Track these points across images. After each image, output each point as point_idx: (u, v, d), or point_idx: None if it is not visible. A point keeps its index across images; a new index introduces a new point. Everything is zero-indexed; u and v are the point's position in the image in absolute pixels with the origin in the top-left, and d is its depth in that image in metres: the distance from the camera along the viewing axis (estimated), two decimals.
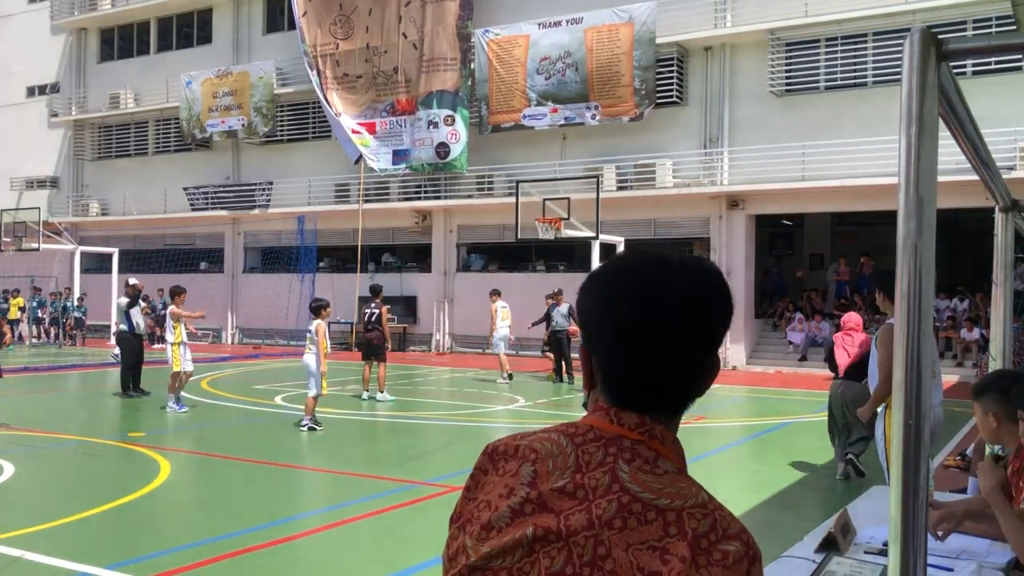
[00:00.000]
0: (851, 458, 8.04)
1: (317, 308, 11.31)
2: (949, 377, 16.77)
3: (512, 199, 19.87)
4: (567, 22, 22.84)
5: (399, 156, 25.49)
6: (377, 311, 13.82)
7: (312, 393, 10.81)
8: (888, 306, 5.67)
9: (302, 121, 28.41)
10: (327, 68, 26.38)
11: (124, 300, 14.34)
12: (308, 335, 11.16)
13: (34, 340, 28.20)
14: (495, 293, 17.46)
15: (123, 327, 14.23)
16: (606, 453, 1.11)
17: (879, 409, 5.59)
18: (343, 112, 26.18)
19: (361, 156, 25.85)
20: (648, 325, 1.11)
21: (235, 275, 29.47)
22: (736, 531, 1.06)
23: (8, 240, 27.41)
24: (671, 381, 1.14)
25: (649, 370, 1.12)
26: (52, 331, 28.69)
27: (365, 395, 13.93)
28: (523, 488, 1.10)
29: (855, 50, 20.17)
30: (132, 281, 14.90)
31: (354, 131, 26.00)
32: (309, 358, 10.96)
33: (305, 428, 10.69)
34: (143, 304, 15.20)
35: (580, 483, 1.09)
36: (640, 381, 1.13)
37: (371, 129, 25.77)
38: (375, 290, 14.32)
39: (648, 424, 1.14)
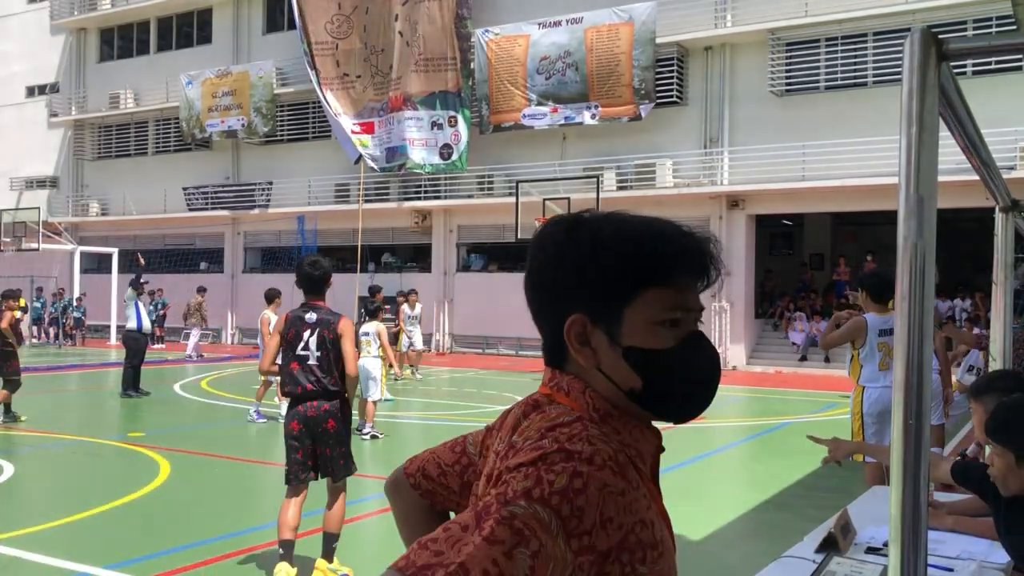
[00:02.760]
0: None
1: (375, 311, 10.82)
2: None
3: (512, 199, 19.89)
4: (567, 22, 22.84)
5: (392, 153, 25.39)
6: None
7: (373, 397, 10.35)
8: (869, 304, 5.73)
9: (302, 121, 28.41)
10: (326, 68, 26.37)
11: (129, 291, 14.27)
12: (365, 337, 10.57)
13: (34, 340, 28.19)
14: None
15: (130, 326, 14.13)
16: (518, 415, 1.17)
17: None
18: (342, 112, 26.17)
19: (361, 156, 25.85)
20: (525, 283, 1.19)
21: (235, 275, 29.47)
22: (530, 460, 1.01)
23: (8, 240, 27.43)
24: (542, 334, 1.19)
25: (536, 324, 1.19)
26: (52, 331, 28.68)
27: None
28: (473, 451, 1.31)
29: (855, 50, 20.17)
30: (140, 261, 14.91)
31: (353, 131, 25.99)
32: (368, 362, 10.31)
33: (367, 438, 10.01)
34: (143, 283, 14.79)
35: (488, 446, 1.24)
36: (541, 336, 1.20)
37: (369, 129, 25.75)
38: (374, 291, 14.30)
39: (557, 378, 1.16)
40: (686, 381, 1.13)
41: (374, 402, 10.47)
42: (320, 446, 5.25)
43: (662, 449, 1.18)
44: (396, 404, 13.55)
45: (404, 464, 1.43)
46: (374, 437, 10.17)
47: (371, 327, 10.67)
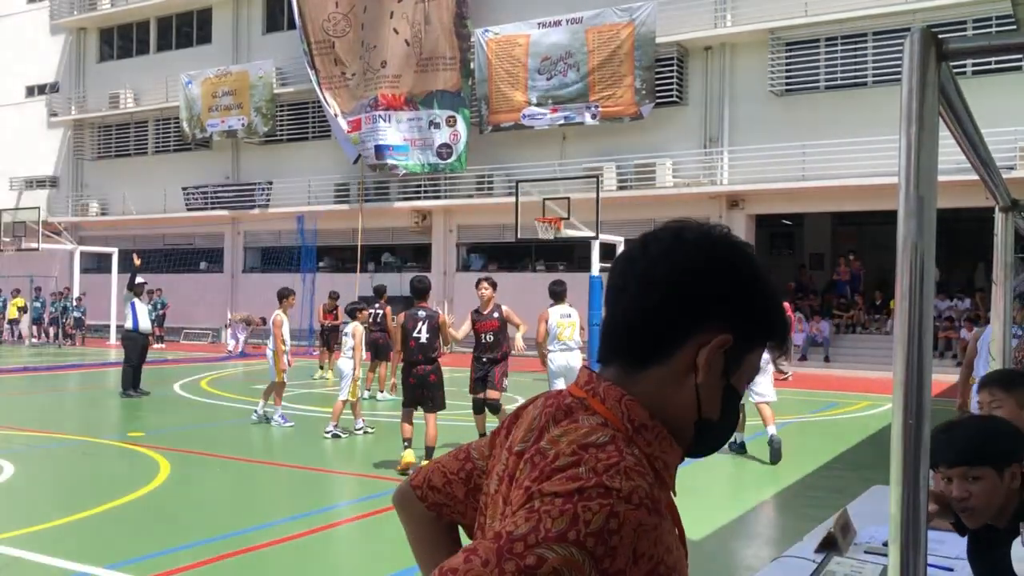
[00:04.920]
0: None
1: (353, 311, 10.77)
2: (949, 377, 16.76)
3: (512, 199, 19.87)
4: (567, 22, 22.84)
5: (381, 151, 25.23)
6: (381, 312, 13.77)
7: (341, 397, 10.30)
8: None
9: (302, 121, 28.41)
10: (325, 67, 26.36)
11: (127, 292, 14.28)
12: (344, 339, 10.62)
13: (34, 340, 28.19)
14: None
15: (128, 326, 14.14)
16: (546, 417, 1.14)
17: None
18: (340, 112, 26.15)
19: (360, 156, 25.84)
20: (607, 286, 1.20)
21: (235, 275, 29.47)
22: (568, 464, 1.01)
23: (8, 240, 27.42)
24: (607, 336, 1.17)
25: (632, 311, 1.14)
26: (51, 331, 28.67)
27: (366, 394, 13.93)
28: (477, 457, 1.31)
29: (855, 50, 20.18)
30: (136, 261, 14.93)
31: (348, 130, 25.99)
32: (344, 363, 10.40)
33: (329, 436, 10.12)
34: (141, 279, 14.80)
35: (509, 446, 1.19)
36: (600, 341, 1.19)
37: (356, 125, 25.68)
38: (379, 291, 14.26)
39: (593, 382, 1.14)
40: (729, 429, 1.18)
41: (343, 401, 10.31)
42: (424, 390, 8.21)
43: (682, 460, 1.18)
44: (397, 403, 13.54)
45: (410, 476, 1.44)
46: (336, 436, 10.15)
47: (349, 327, 10.70)
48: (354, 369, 10.34)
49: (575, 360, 9.20)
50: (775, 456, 8.85)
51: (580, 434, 1.05)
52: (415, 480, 1.41)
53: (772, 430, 9.00)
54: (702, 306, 1.10)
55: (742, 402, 8.39)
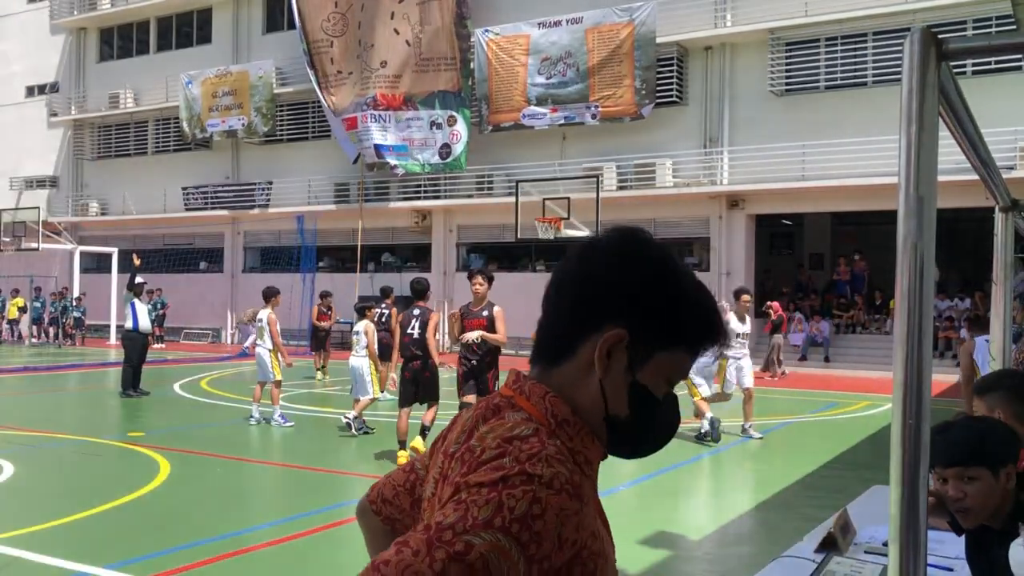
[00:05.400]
0: None
1: (362, 309, 10.82)
2: (949, 377, 16.76)
3: (512, 199, 19.90)
4: (567, 22, 22.84)
5: (381, 150, 25.25)
6: (387, 312, 13.78)
7: (368, 396, 10.38)
8: None
9: (302, 121, 28.41)
10: (324, 67, 26.35)
11: (126, 292, 14.29)
12: (355, 337, 10.63)
13: (33, 340, 28.19)
14: None
15: (128, 326, 14.15)
16: (476, 417, 1.19)
17: None
18: (337, 110, 26.13)
19: (360, 155, 25.84)
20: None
21: (235, 275, 29.47)
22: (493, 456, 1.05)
23: (8, 240, 27.43)
24: (553, 326, 1.22)
25: (551, 315, 1.23)
26: (51, 331, 28.68)
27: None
28: (419, 467, 1.35)
29: (855, 50, 20.18)
30: (136, 261, 14.96)
31: (345, 128, 25.99)
32: (357, 361, 10.46)
33: (359, 432, 10.26)
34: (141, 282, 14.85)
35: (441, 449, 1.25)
36: (546, 328, 1.24)
37: (352, 124, 25.67)
38: (386, 291, 14.25)
39: (520, 381, 1.20)
40: (652, 432, 1.20)
41: (370, 399, 10.49)
42: (418, 387, 8.66)
43: (604, 457, 1.22)
44: (396, 404, 13.52)
45: (368, 490, 1.48)
46: (363, 433, 10.34)
47: (360, 326, 10.70)
48: (372, 366, 10.42)
49: None
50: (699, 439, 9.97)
51: (505, 428, 1.10)
52: (371, 494, 1.46)
53: (704, 425, 10.01)
54: (602, 305, 1.16)
55: (702, 397, 8.57)
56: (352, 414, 10.43)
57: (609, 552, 1.14)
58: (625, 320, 1.14)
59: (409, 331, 8.71)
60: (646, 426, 1.18)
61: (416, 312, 8.74)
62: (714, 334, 1.19)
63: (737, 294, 10.46)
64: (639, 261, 1.17)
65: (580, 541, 1.05)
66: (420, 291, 8.95)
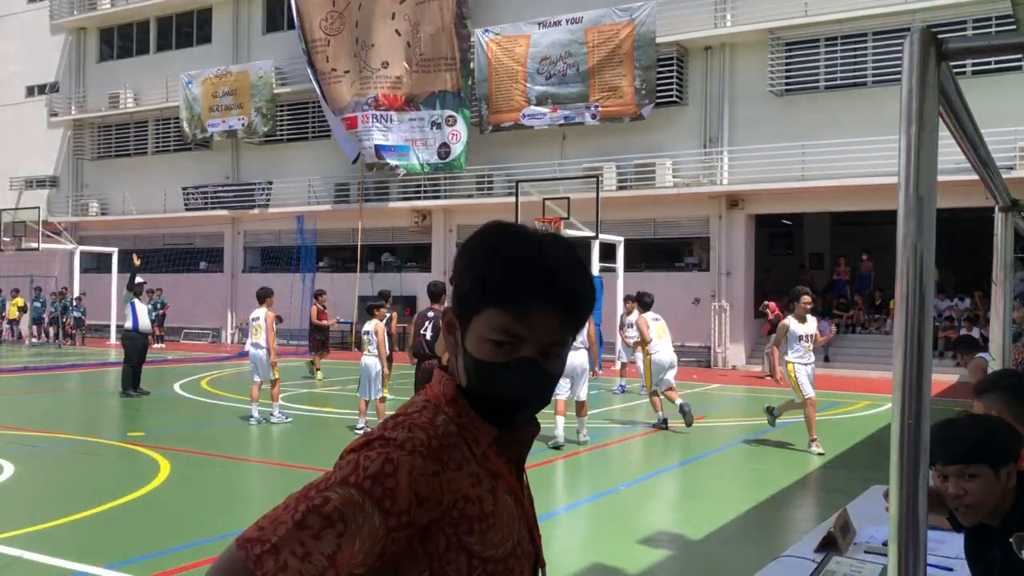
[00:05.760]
0: None
1: (371, 308, 10.82)
2: (949, 377, 16.77)
3: (512, 199, 19.88)
4: (567, 22, 22.84)
5: (382, 151, 25.28)
6: (388, 315, 13.84)
7: (379, 396, 10.38)
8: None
9: (302, 121, 28.41)
10: (321, 65, 26.34)
11: (126, 292, 14.30)
12: (366, 336, 10.61)
13: (33, 340, 28.19)
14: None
15: (128, 326, 14.15)
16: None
17: None
18: (335, 109, 26.10)
19: (360, 155, 25.83)
20: None
21: (235, 275, 29.47)
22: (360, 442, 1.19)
23: (8, 240, 27.43)
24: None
25: None
26: (51, 331, 28.68)
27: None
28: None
29: (855, 50, 20.17)
30: (136, 261, 14.97)
31: (345, 128, 25.98)
32: (370, 360, 10.43)
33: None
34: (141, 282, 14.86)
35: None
36: None
37: (352, 123, 25.67)
38: (384, 295, 14.28)
39: (438, 372, 1.33)
40: (497, 397, 1.24)
41: (382, 399, 10.44)
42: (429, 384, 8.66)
43: (526, 441, 1.31)
44: (395, 403, 13.53)
45: None
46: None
47: (370, 325, 10.69)
48: (382, 367, 10.44)
49: (580, 359, 9.51)
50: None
51: (403, 407, 1.26)
52: None
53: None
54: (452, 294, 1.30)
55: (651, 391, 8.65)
56: (362, 421, 10.50)
57: (497, 520, 1.21)
58: (450, 297, 1.31)
59: (421, 332, 9.01)
60: (484, 390, 1.24)
61: (430, 315, 9.05)
62: (522, 280, 1.20)
63: (797, 295, 9.68)
64: (472, 241, 1.29)
65: (448, 503, 1.15)
66: (436, 293, 9.20)
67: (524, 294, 1.20)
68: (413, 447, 1.14)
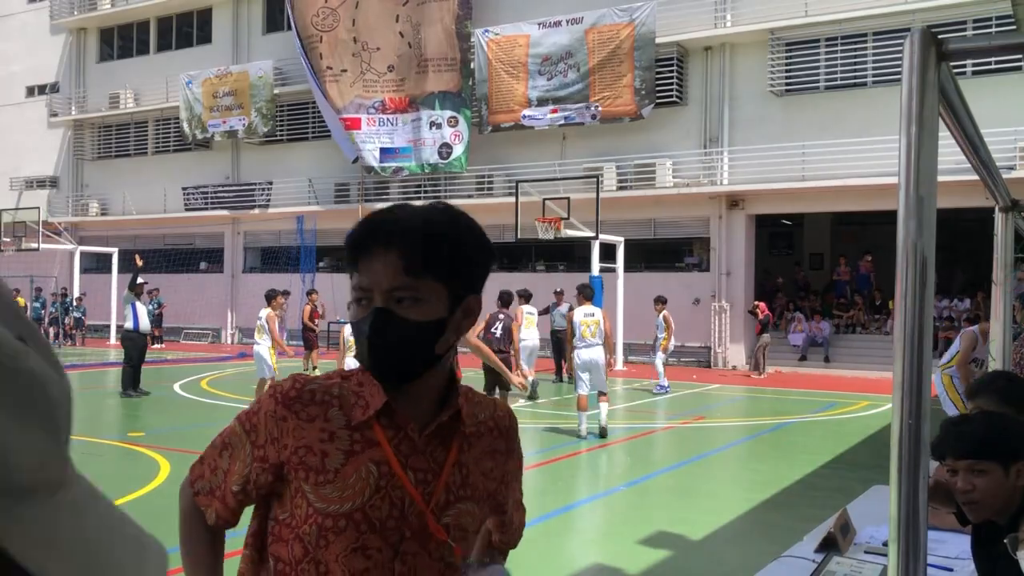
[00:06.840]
0: None
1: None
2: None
3: (512, 199, 19.88)
4: (567, 22, 22.84)
5: (387, 154, 25.35)
6: None
7: None
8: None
9: (302, 121, 28.41)
10: (315, 62, 26.33)
11: (127, 292, 14.31)
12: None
13: None
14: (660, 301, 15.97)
15: (128, 326, 14.16)
16: None
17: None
18: (333, 108, 26.09)
19: (359, 155, 25.83)
20: None
21: (235, 275, 29.47)
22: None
23: (8, 240, 27.42)
24: None
25: None
26: (51, 331, 28.66)
27: None
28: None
29: (855, 50, 20.17)
30: (138, 262, 15.02)
31: (344, 128, 25.98)
32: (352, 361, 10.73)
33: None
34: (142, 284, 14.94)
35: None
36: None
37: (355, 125, 25.68)
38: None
39: None
40: (363, 352, 1.34)
41: None
42: (497, 374, 9.49)
43: (439, 415, 1.38)
44: None
45: None
46: None
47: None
48: None
49: (596, 354, 10.02)
50: None
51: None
52: None
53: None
54: None
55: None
56: None
57: (338, 477, 1.32)
58: None
59: (492, 330, 10.50)
60: (359, 349, 1.35)
61: (501, 317, 10.76)
62: (353, 235, 1.35)
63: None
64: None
65: (291, 447, 1.33)
66: (507, 300, 11.20)
67: (354, 246, 1.33)
68: (273, 393, 1.37)
